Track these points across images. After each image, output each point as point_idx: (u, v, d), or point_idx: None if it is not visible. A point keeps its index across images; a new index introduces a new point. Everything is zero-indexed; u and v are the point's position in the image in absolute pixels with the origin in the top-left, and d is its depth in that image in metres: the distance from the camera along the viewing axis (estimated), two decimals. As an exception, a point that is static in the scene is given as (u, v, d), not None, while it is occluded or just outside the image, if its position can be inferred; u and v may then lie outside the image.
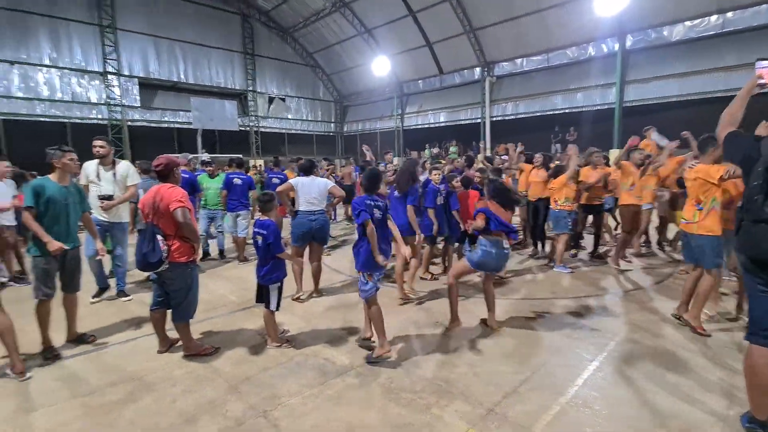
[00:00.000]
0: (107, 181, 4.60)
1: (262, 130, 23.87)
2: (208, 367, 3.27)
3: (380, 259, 3.26)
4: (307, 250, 4.87)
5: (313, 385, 2.96)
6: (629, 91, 14.44)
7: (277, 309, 3.61)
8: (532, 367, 3.14)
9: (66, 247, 3.43)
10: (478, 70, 18.93)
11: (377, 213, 3.34)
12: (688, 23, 13.06)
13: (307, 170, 4.90)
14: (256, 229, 3.62)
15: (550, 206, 5.85)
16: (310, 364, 3.29)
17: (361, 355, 3.42)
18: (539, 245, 6.51)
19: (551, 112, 16.59)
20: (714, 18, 12.55)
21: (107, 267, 5.05)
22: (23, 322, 3.49)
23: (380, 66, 19.92)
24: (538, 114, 17.00)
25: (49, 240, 3.30)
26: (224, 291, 5.23)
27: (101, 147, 4.58)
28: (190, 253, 3.31)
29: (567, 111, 16.22)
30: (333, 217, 9.51)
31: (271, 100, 24.50)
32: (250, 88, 23.16)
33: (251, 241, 4.05)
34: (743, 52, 12.00)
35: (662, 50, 13.75)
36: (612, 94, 14.68)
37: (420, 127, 22.53)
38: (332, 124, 27.79)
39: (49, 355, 3.42)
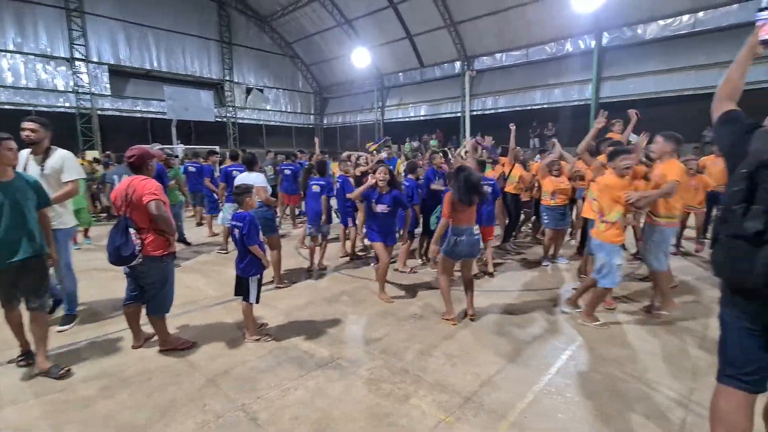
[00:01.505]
0: (35, 176, 3.35)
1: (240, 121, 23.37)
2: (185, 362, 3.21)
3: None
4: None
5: (293, 378, 2.96)
6: (605, 88, 14.80)
7: (257, 302, 3.58)
8: (508, 357, 3.23)
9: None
10: (458, 63, 19.01)
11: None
12: (661, 22, 13.45)
13: (248, 163, 5.07)
14: (233, 222, 3.58)
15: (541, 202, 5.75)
16: (290, 356, 3.28)
17: (342, 347, 3.43)
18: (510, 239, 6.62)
19: (530, 107, 16.85)
20: (686, 18, 12.96)
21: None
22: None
23: (360, 58, 19.74)
24: (517, 109, 17.24)
25: None
26: (201, 284, 5.14)
27: (31, 131, 3.54)
28: (166, 246, 3.23)
29: (545, 106, 16.51)
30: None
31: (248, 90, 23.98)
32: (227, 78, 22.60)
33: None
34: (713, 51, 12.46)
35: (637, 48, 14.13)
36: (589, 91, 15.02)
37: (400, 120, 22.52)
38: (311, 116, 27.44)
39: (24, 360, 3.15)
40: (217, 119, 21.48)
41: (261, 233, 3.67)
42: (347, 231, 6.43)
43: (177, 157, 7.24)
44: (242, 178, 4.87)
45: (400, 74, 22.09)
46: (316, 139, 8.73)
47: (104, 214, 10.17)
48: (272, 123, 25.39)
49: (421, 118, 21.54)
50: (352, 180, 6.22)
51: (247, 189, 3.67)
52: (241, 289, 3.58)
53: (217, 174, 8.18)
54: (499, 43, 17.30)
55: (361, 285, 5.07)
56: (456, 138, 19.90)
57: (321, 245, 5.72)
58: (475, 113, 18.66)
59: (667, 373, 2.98)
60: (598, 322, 3.76)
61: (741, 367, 1.70)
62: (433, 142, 18.93)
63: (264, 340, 3.55)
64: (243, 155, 5.39)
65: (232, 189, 6.47)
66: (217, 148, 9.75)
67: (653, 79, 13.85)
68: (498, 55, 17.76)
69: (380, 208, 4.42)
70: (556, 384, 2.85)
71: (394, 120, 22.85)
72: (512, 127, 6.38)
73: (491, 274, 5.31)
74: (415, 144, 20.03)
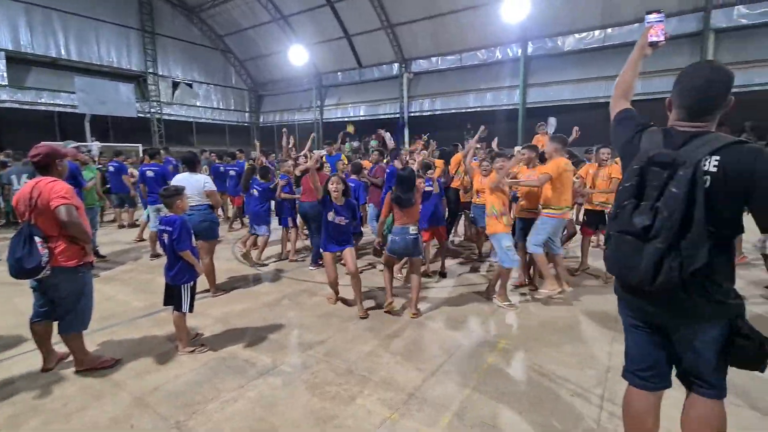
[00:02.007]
0: None
1: (166, 117, 21.72)
2: (108, 381, 2.92)
3: None
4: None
5: (232, 389, 2.81)
6: (531, 94, 15.92)
7: (190, 311, 3.35)
8: (449, 351, 3.35)
9: None
10: (396, 65, 19.34)
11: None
12: (577, 35, 14.77)
13: (190, 163, 4.66)
14: (161, 227, 3.32)
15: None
16: (228, 366, 3.12)
17: (285, 353, 3.33)
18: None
19: (465, 110, 17.62)
20: (597, 33, 14.36)
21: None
22: None
23: (297, 55, 19.28)
24: (453, 111, 17.94)
25: None
26: (124, 296, 4.71)
27: None
28: (80, 255, 2.91)
29: (478, 109, 17.36)
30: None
31: (175, 85, 22.39)
32: (150, 71, 20.84)
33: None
34: (621, 64, 13.75)
35: (557, 58, 15.38)
36: (517, 96, 16.07)
37: (340, 120, 22.38)
38: (246, 114, 26.31)
39: None
40: (140, 115, 19.80)
41: (194, 238, 3.45)
42: (288, 232, 6.27)
43: (90, 152, 6.56)
44: (183, 179, 4.50)
45: (339, 74, 21.95)
46: (257, 143, 8.43)
47: (2, 221, 8.94)
48: (204, 120, 23.94)
49: (361, 118, 21.59)
50: (293, 180, 6.07)
51: (177, 191, 3.42)
52: (172, 298, 3.34)
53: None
54: (435, 47, 17.87)
55: (304, 288, 4.97)
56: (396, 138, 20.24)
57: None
58: (413, 114, 19.14)
59: (589, 355, 3.28)
60: (508, 302, 4.25)
61: (637, 363, 1.75)
62: (373, 143, 19.05)
63: (199, 351, 3.34)
64: (184, 155, 4.97)
65: (152, 190, 6.11)
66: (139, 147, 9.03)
67: (571, 87, 15.17)
68: (434, 59, 18.34)
69: (338, 219, 4.08)
70: (495, 370, 3.02)
71: (334, 120, 22.66)
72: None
73: (443, 274, 5.38)
74: (356, 144, 20.02)
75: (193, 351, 3.32)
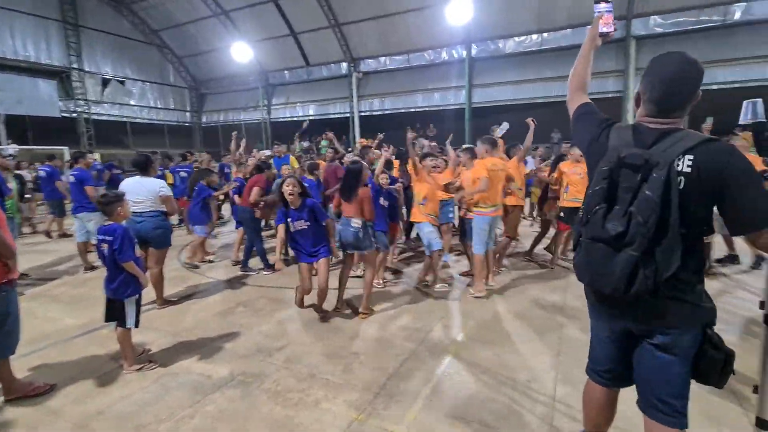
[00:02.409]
0: None
1: (96, 117, 20.02)
2: (43, 409, 2.65)
3: None
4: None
5: (187, 405, 2.66)
6: (476, 94, 16.54)
7: (136, 326, 3.12)
8: (410, 350, 3.39)
9: None
10: (345, 64, 19.24)
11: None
12: (516, 39, 15.56)
13: (141, 166, 4.23)
14: (99, 236, 3.06)
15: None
16: (182, 382, 2.95)
17: (243, 363, 3.21)
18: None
19: (413, 109, 17.92)
20: (535, 37, 15.23)
21: None
22: None
23: (241, 52, 18.58)
24: (402, 110, 18.19)
25: None
26: (57, 314, 4.29)
27: None
28: (3, 272, 2.61)
29: (427, 109, 17.74)
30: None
31: (105, 82, 20.70)
32: (75, 66, 19.08)
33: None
34: (556, 67, 14.92)
35: (499, 60, 16.10)
36: (463, 96, 16.61)
37: (288, 119, 21.88)
38: (188, 114, 24.94)
39: None
40: (64, 115, 18.13)
41: (144, 246, 3.21)
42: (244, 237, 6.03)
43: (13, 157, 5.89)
44: (133, 184, 4.18)
45: (286, 72, 21.44)
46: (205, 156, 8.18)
47: None
48: (139, 120, 22.35)
49: (310, 117, 21.20)
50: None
51: (116, 197, 3.16)
52: (114, 313, 3.09)
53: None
54: (383, 47, 18.01)
55: (259, 294, 4.80)
56: (346, 138, 20.12)
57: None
58: (363, 114, 19.15)
59: (541, 344, 3.47)
60: (440, 284, 4.68)
61: (601, 365, 1.73)
62: (323, 143, 18.82)
63: (147, 368, 3.12)
64: (134, 157, 4.56)
65: (74, 197, 5.64)
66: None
67: (512, 88, 15.96)
68: (382, 59, 18.47)
69: (298, 225, 3.75)
70: (455, 365, 3.10)
71: (282, 119, 22.12)
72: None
73: (396, 271, 5.46)
74: (306, 144, 19.65)
75: (140, 369, 3.10)
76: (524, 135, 5.18)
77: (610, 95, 14.34)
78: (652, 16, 13.50)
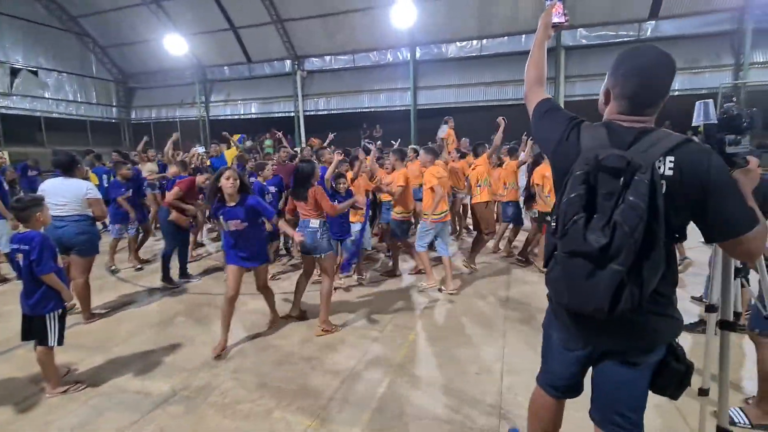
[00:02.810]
0: None
1: (4, 111, 17.79)
2: (-57, 448, 2.31)
3: None
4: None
5: (124, 427, 2.45)
6: (421, 96, 16.91)
7: (59, 344, 2.81)
8: (363, 350, 3.39)
9: None
10: (288, 62, 18.76)
11: None
12: (459, 44, 16.14)
13: (65, 167, 3.85)
14: (13, 245, 2.73)
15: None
16: (116, 402, 2.71)
17: (185, 376, 3.01)
18: None
19: (360, 110, 17.91)
20: (475, 43, 15.90)
21: None
22: None
23: (175, 45, 17.37)
24: (348, 111, 18.10)
25: None
26: (-41, 335, 3.75)
27: None
28: None
29: (373, 110, 17.82)
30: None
31: (15, 72, 18.44)
32: (-22, 53, 16.84)
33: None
34: (496, 72, 15.78)
35: (442, 64, 16.59)
36: (408, 97, 16.90)
37: (229, 117, 20.91)
38: (114, 109, 22.91)
39: None
40: (-37, 108, 15.89)
41: (67, 254, 2.90)
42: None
43: None
44: (56, 185, 3.79)
45: (226, 68, 20.45)
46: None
47: None
48: (56, 115, 20.15)
49: (253, 116, 20.47)
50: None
51: (34, 201, 2.83)
52: (34, 330, 2.77)
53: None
54: (328, 46, 17.80)
55: (201, 301, 4.54)
56: (291, 138, 19.64)
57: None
58: (308, 113, 18.81)
59: (487, 336, 3.63)
60: (435, 283, 4.70)
61: (557, 380, 1.62)
62: (267, 142, 18.26)
63: (74, 389, 2.83)
64: (55, 158, 4.07)
65: None
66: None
67: (454, 91, 16.54)
68: (327, 58, 18.26)
69: (233, 225, 3.35)
70: (408, 364, 3.15)
71: (222, 117, 21.07)
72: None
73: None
74: (249, 143, 18.93)
75: (66, 391, 2.80)
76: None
77: (543, 100, 15.34)
78: (579, 29, 14.66)
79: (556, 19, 1.68)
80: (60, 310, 2.82)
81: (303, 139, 18.47)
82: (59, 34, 19.89)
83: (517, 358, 3.19)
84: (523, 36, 15.24)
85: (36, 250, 2.67)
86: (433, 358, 3.25)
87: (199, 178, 5.17)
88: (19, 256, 2.70)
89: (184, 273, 5.21)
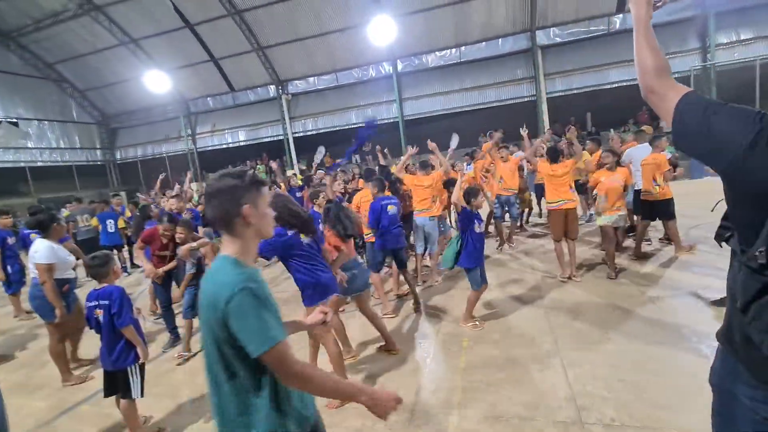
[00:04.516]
0: None
1: (-14, 165, 17.50)
2: None
3: None
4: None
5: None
6: (407, 106, 17.26)
7: (142, 395, 2.88)
8: (423, 357, 3.53)
9: None
10: (272, 87, 18.94)
11: None
12: (438, 53, 16.57)
13: (44, 226, 3.86)
14: (90, 303, 2.81)
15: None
16: (209, 443, 2.79)
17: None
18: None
19: (348, 127, 18.16)
20: (453, 51, 16.35)
21: None
22: None
23: (157, 82, 17.28)
24: (337, 128, 18.31)
25: None
26: (20, 399, 3.75)
27: None
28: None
29: (360, 125, 18.06)
30: None
31: (-6, 124, 18.19)
32: (-46, 110, 16.58)
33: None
34: (476, 77, 16.30)
35: (424, 74, 17.00)
36: (395, 109, 17.23)
37: (217, 147, 20.91)
38: (98, 152, 22.68)
39: None
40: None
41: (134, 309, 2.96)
42: None
43: None
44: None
45: (209, 99, 20.50)
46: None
47: None
48: (40, 164, 19.89)
49: (242, 143, 20.53)
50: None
51: (109, 256, 2.93)
52: (117, 385, 2.84)
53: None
54: (310, 68, 18.06)
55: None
56: (280, 160, 19.75)
57: None
58: (297, 135, 18.97)
59: (533, 333, 3.81)
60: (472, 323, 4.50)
61: None
62: (260, 167, 18.40)
63: (163, 438, 2.90)
64: (35, 216, 4.11)
65: None
66: None
67: (440, 99, 16.95)
68: (310, 79, 18.49)
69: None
70: (472, 371, 3.30)
71: (210, 147, 21.06)
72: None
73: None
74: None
75: (151, 440, 2.87)
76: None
77: (526, 99, 15.87)
78: (551, 28, 15.25)
79: None
80: (140, 362, 2.90)
81: (294, 161, 18.61)
82: (37, 82, 19.73)
83: (573, 351, 3.37)
84: (500, 40, 15.78)
85: (116, 303, 2.76)
86: (493, 360, 3.41)
87: (160, 227, 4.34)
88: (99, 312, 2.79)
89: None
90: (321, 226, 3.60)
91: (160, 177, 8.47)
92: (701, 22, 13.82)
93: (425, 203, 5.41)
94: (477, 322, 4.08)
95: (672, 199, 5.37)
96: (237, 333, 1.21)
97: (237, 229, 1.34)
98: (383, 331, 3.72)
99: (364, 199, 5.25)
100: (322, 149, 9.44)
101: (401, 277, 5.06)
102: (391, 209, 4.74)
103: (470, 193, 3.93)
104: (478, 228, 3.98)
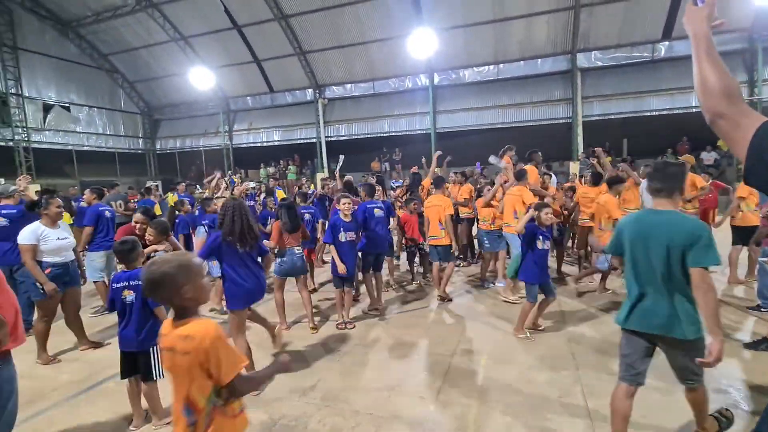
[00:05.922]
0: None
1: (36, 146, 18.52)
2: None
3: None
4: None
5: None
6: (440, 119, 17.28)
7: (163, 376, 2.95)
8: (441, 373, 3.48)
9: None
10: (310, 91, 19.37)
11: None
12: (475, 69, 16.58)
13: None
14: (120, 283, 2.89)
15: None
16: None
17: (279, 405, 3.11)
18: None
19: (380, 135, 18.34)
20: (492, 67, 16.32)
21: None
22: None
23: (202, 78, 18.04)
24: (369, 135, 18.52)
25: None
26: (46, 370, 3.91)
27: None
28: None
29: (393, 134, 18.24)
30: None
31: (47, 108, 19.33)
32: (12, 91, 17.63)
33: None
34: (512, 94, 16.21)
35: (460, 88, 17.02)
36: (428, 121, 17.28)
37: (252, 145, 21.50)
38: (140, 140, 23.72)
39: None
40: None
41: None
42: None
43: None
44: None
45: (249, 98, 21.16)
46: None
47: None
48: (86, 148, 20.95)
49: (275, 143, 21.03)
50: None
51: (136, 242, 3.04)
52: (136, 366, 2.92)
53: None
54: (348, 75, 18.39)
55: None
56: (311, 163, 20.10)
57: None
58: (330, 139, 19.28)
59: (553, 356, 3.69)
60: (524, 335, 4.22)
61: None
62: (291, 168, 18.81)
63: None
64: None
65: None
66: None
67: (473, 114, 16.90)
68: (348, 86, 18.82)
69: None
70: (489, 393, 3.22)
71: (245, 145, 21.66)
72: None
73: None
74: (272, 169, 19.48)
75: (170, 422, 2.92)
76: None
77: (561, 121, 15.60)
78: (593, 52, 15.00)
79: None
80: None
81: (325, 163, 18.90)
82: (91, 71, 20.88)
83: (594, 380, 3.24)
84: (539, 60, 15.64)
85: (148, 287, 2.84)
86: (512, 384, 3.31)
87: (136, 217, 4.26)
88: (128, 294, 2.88)
89: None
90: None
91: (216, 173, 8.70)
92: (749, 55, 13.29)
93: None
94: (528, 334, 4.09)
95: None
96: None
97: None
98: (309, 311, 4.56)
99: (429, 205, 5.43)
100: (341, 157, 9.56)
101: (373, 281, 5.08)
102: (378, 212, 4.97)
103: (538, 208, 4.08)
104: (541, 244, 4.01)
